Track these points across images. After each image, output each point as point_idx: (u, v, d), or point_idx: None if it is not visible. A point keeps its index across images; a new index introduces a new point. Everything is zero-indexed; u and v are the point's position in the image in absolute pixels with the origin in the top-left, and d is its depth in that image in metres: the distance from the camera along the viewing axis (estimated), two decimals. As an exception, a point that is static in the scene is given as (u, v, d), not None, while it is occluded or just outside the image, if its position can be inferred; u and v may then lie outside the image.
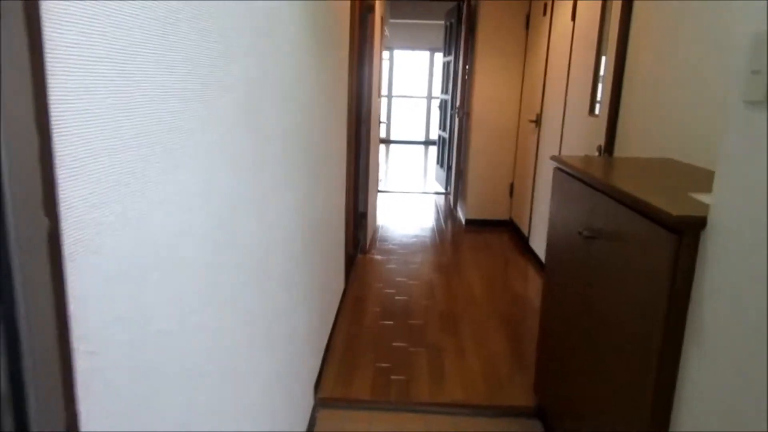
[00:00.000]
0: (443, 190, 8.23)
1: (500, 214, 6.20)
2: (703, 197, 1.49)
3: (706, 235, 1.32)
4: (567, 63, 4.22)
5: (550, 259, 2.45)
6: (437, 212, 7.03)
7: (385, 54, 14.12)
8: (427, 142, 14.86)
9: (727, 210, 1.25)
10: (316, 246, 2.58)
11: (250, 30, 1.30)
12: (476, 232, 6.00)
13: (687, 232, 1.35)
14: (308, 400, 2.54)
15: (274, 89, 1.59)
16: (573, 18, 4.11)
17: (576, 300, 2.07)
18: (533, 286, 4.37)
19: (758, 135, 1.15)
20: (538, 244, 4.76)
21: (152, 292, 0.84)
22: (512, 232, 5.94)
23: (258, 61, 1.38)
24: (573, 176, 2.14)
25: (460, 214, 6.64)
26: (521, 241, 5.48)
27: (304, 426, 2.42)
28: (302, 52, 2.05)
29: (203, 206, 1.03)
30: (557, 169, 2.37)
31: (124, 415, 0.78)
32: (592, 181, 1.93)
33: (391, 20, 12.67)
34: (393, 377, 2.93)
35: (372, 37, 4.68)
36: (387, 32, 11.29)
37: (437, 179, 8.85)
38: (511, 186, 6.10)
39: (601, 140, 3.26)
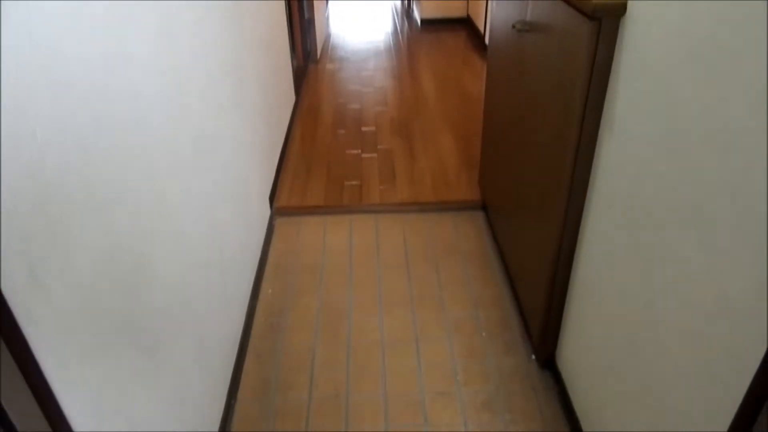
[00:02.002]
0: (399, -12, 7.71)
1: (457, 12, 5.92)
2: (629, -20, 1.44)
3: (625, 22, 1.30)
4: None
5: (492, 56, 2.42)
6: (393, 14, 6.68)
7: None
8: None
9: (642, -8, 1.22)
10: (248, 56, 2.48)
11: None
12: (432, 33, 5.77)
13: (606, 20, 1.33)
14: (264, 211, 2.66)
15: None
16: None
17: (511, 94, 2.10)
18: (486, 85, 4.35)
19: None
20: (493, 41, 4.64)
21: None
22: (469, 30, 5.73)
23: None
24: (510, -36, 2.02)
25: (416, 15, 6.33)
26: (478, 40, 5.32)
27: (262, 234, 2.57)
28: None
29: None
30: (497, -44, 2.22)
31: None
32: (526, -32, 1.82)
33: None
34: (346, 183, 3.05)
35: None
36: None
37: (392, -24, 8.23)
38: (467, -22, 5.74)
39: None
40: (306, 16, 4.58)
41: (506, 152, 2.21)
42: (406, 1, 6.96)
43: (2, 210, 0.74)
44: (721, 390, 0.98)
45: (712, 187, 0.99)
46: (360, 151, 3.40)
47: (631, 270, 1.32)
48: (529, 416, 1.83)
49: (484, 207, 2.78)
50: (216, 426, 1.73)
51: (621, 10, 1.30)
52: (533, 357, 2.02)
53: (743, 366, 0.91)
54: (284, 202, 2.88)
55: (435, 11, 5.92)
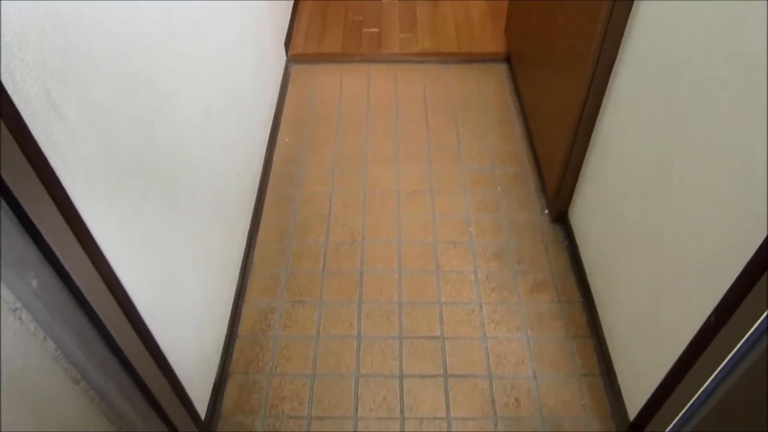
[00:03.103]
0: None
1: None
2: None
3: None
4: None
5: None
6: None
7: None
8: None
9: None
10: None
11: None
12: None
13: None
14: (280, 57, 2.57)
15: None
16: None
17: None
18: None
19: None
20: None
21: None
22: None
23: None
24: None
25: None
26: None
27: (278, 82, 2.50)
28: None
29: None
30: None
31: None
32: None
33: None
34: (364, 30, 2.90)
35: None
36: None
37: None
38: None
39: None
40: None
41: (537, 5, 2.06)
42: None
43: (13, 32, 0.71)
44: (736, 244, 1.00)
45: (753, 39, 0.92)
46: (380, -5, 3.19)
47: (659, 125, 1.28)
48: (538, 266, 1.90)
49: (508, 59, 2.66)
50: (238, 265, 1.82)
51: None
52: (546, 212, 2.05)
53: (763, 221, 0.91)
54: (300, 49, 2.77)
55: None
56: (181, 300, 1.33)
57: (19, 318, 0.78)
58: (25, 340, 0.79)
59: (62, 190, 0.80)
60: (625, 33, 1.44)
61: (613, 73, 1.53)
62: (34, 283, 0.77)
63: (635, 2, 1.38)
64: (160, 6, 1.19)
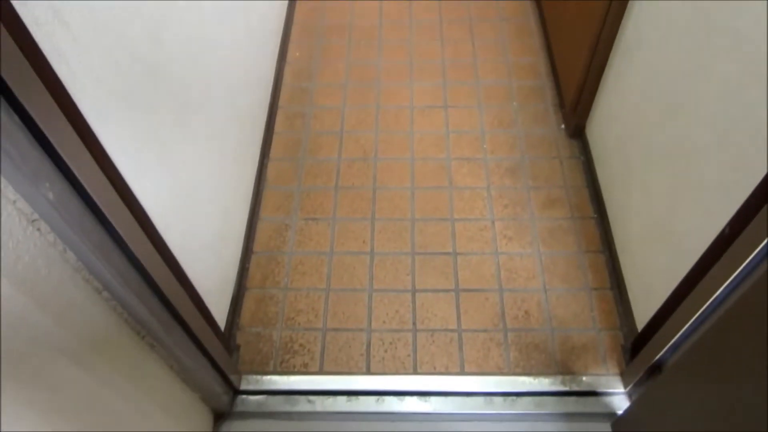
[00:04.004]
0: None
1: None
2: None
3: None
4: None
5: None
6: None
7: None
8: None
9: None
10: None
11: None
12: None
13: None
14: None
15: None
16: None
17: None
18: None
19: None
20: None
21: None
22: None
23: None
24: None
25: None
26: None
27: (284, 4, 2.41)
28: None
29: None
30: None
31: None
32: None
33: None
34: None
35: None
36: None
37: None
38: None
39: None
40: None
41: None
42: None
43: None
44: (756, 154, 0.97)
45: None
46: None
47: (687, 32, 1.22)
48: (552, 183, 1.88)
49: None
50: (252, 182, 1.83)
51: None
52: (562, 126, 2.01)
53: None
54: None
55: None
56: (197, 215, 1.35)
57: (38, 229, 0.79)
58: (45, 251, 0.81)
59: (71, 101, 0.79)
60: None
61: (639, -23, 1.44)
62: (51, 195, 0.77)
63: None
64: None
